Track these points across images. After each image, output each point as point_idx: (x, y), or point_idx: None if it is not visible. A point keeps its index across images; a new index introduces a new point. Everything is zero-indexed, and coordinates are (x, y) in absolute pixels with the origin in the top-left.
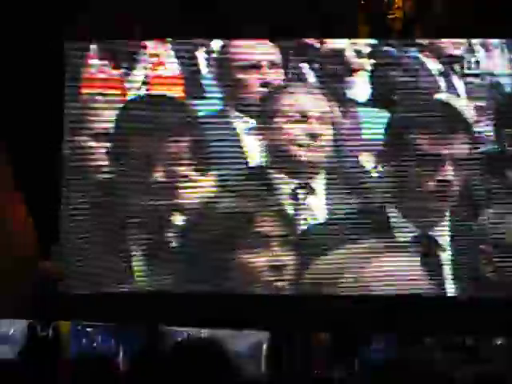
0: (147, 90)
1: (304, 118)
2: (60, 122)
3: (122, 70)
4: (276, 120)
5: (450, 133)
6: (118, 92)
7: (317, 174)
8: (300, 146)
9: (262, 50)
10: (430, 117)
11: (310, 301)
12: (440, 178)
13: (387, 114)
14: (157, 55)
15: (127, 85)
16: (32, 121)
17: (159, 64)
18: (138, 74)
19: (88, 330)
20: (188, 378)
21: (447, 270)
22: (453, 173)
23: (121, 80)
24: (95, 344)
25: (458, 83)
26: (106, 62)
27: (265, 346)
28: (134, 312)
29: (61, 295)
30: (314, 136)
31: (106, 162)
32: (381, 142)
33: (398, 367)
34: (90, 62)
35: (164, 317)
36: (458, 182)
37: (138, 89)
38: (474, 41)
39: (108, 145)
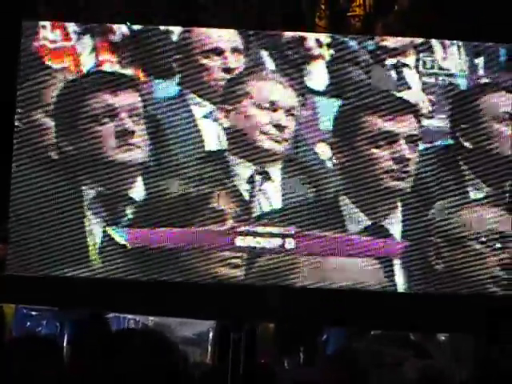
0: (96, 58)
1: (272, 107)
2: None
3: (74, 41)
4: (242, 105)
5: (400, 115)
6: (71, 63)
7: (275, 161)
8: (264, 133)
9: (223, 37)
10: (379, 104)
11: (260, 291)
12: (396, 155)
13: (340, 103)
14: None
15: (80, 55)
16: None
17: (110, 32)
18: (88, 43)
19: (32, 313)
20: (125, 364)
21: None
22: (408, 151)
23: (73, 50)
24: (40, 328)
25: (412, 77)
26: (56, 33)
27: (211, 334)
28: (81, 298)
29: (5, 278)
30: (281, 128)
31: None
32: (334, 131)
33: (346, 359)
34: (41, 34)
35: (112, 303)
36: (413, 163)
37: (87, 58)
38: (432, 40)
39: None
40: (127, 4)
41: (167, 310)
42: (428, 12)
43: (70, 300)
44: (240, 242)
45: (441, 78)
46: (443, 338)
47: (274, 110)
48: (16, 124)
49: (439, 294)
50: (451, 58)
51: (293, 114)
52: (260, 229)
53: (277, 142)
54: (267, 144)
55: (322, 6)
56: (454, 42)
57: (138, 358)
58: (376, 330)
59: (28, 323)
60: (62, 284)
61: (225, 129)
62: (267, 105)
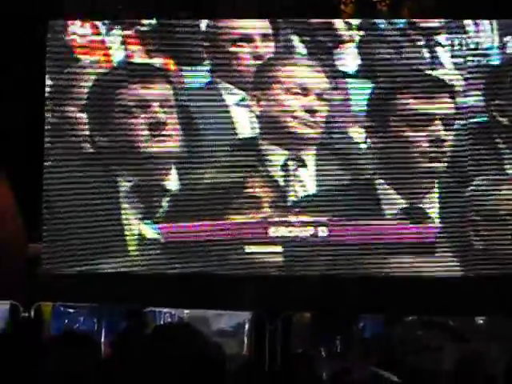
0: (127, 52)
1: (304, 92)
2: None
3: (103, 35)
4: (273, 91)
5: (435, 95)
6: (101, 57)
7: (308, 146)
8: (296, 119)
9: (252, 24)
10: (413, 85)
11: (296, 281)
12: (432, 136)
13: (373, 85)
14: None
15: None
16: (14, 97)
17: (138, 24)
18: (117, 35)
19: (70, 311)
20: (164, 361)
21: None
22: (444, 132)
23: (102, 43)
24: (77, 325)
25: (444, 56)
26: (86, 29)
27: (247, 325)
28: (118, 293)
29: (43, 276)
30: (312, 112)
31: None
32: (368, 113)
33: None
34: (71, 29)
35: (147, 298)
36: (449, 143)
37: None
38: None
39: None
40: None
41: (203, 303)
42: None
43: (106, 296)
44: (273, 232)
45: (473, 56)
46: (481, 321)
47: (305, 95)
48: (48, 119)
49: (475, 278)
50: (483, 34)
51: (324, 98)
52: (293, 218)
53: (309, 126)
54: (300, 129)
55: None
56: (485, 20)
57: (174, 352)
58: (413, 315)
59: (66, 320)
60: (97, 280)
61: (257, 116)
62: (298, 90)
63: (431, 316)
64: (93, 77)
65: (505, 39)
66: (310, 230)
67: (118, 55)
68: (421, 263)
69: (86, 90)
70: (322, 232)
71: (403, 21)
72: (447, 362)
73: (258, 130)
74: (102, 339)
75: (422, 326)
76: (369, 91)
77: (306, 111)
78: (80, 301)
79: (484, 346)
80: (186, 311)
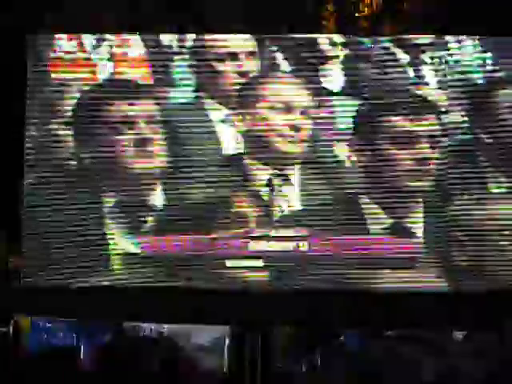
0: (113, 69)
1: (287, 108)
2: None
3: (89, 52)
4: (257, 108)
5: (420, 114)
6: (87, 74)
7: (292, 163)
8: (281, 136)
9: (237, 41)
10: (400, 103)
11: (276, 295)
12: (417, 155)
13: (358, 103)
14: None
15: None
16: None
17: (124, 43)
18: (104, 52)
19: (49, 325)
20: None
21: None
22: (429, 150)
23: (88, 60)
24: (56, 340)
25: (428, 73)
26: (72, 44)
27: (227, 340)
28: (97, 307)
29: (23, 290)
30: (297, 129)
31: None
32: (353, 131)
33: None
34: (57, 45)
35: (126, 312)
36: (434, 162)
37: (103, 68)
38: (446, 36)
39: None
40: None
41: (181, 317)
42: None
43: (86, 310)
44: (253, 246)
45: (456, 74)
46: (460, 335)
47: (289, 112)
48: (30, 134)
49: (456, 293)
50: (466, 53)
51: (309, 116)
52: (273, 232)
53: (293, 143)
54: (284, 146)
55: (329, 8)
56: (469, 37)
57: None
58: (392, 329)
59: (45, 335)
60: (77, 294)
61: (242, 133)
62: (281, 106)
63: (411, 330)
64: (77, 93)
65: (487, 57)
66: (291, 245)
67: (103, 72)
68: (402, 278)
69: (70, 107)
70: (303, 246)
71: (387, 38)
72: (426, 375)
73: (242, 147)
74: (82, 354)
75: (402, 339)
76: (354, 109)
77: (291, 128)
78: (59, 315)
79: (462, 360)
80: (166, 326)
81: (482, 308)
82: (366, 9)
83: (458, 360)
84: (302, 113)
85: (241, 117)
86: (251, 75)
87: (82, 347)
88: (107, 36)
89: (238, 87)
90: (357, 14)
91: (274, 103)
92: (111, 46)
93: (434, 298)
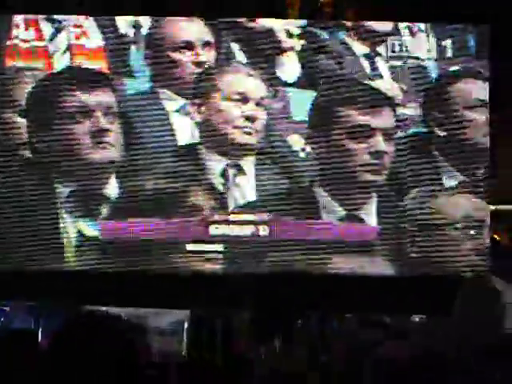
0: (70, 60)
1: (242, 99)
2: None
3: (46, 41)
4: (212, 99)
5: (376, 107)
6: (43, 64)
7: (248, 154)
8: (236, 127)
9: (194, 30)
10: (355, 96)
11: (235, 280)
12: (372, 149)
13: (314, 94)
14: (80, 26)
15: (52, 56)
16: None
17: (82, 35)
18: (61, 42)
19: (5, 309)
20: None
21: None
22: (384, 144)
23: (45, 49)
24: (14, 323)
25: (383, 66)
26: (30, 33)
27: (186, 324)
28: (55, 291)
29: None
30: (252, 119)
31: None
32: (308, 123)
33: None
34: (13, 33)
35: (86, 296)
36: (389, 155)
37: (60, 58)
38: (400, 24)
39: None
40: None
41: (141, 301)
42: None
43: (43, 294)
44: (214, 230)
45: (411, 65)
46: (417, 319)
47: (245, 102)
48: None
49: (413, 277)
50: (420, 42)
51: (263, 105)
52: (233, 217)
53: (249, 134)
54: (239, 137)
55: None
56: (422, 27)
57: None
58: (351, 313)
59: (2, 319)
60: (33, 278)
61: (197, 123)
62: (237, 97)
63: (370, 313)
64: (32, 81)
65: (442, 50)
66: (251, 229)
67: (60, 62)
68: (359, 262)
69: (24, 95)
70: (263, 230)
71: (343, 32)
72: (385, 358)
73: (197, 138)
74: (39, 337)
75: (361, 323)
76: (310, 101)
77: (246, 119)
78: (16, 299)
79: (421, 343)
80: (124, 310)
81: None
82: None
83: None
84: (258, 104)
85: (196, 107)
86: (207, 65)
87: (40, 331)
88: (65, 25)
89: (193, 77)
90: (321, 0)
91: (230, 94)
92: (69, 36)
93: (386, 282)
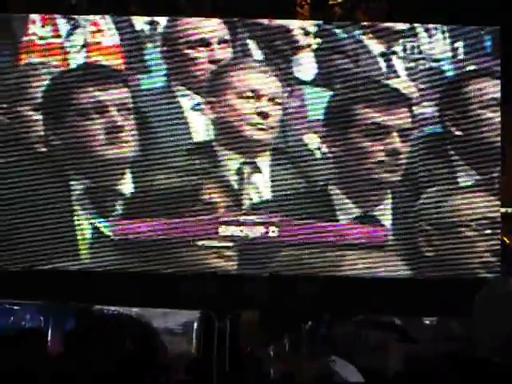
0: (86, 58)
1: (256, 96)
2: None
3: (63, 38)
4: (226, 96)
5: (392, 107)
6: (59, 61)
7: (263, 152)
8: (250, 124)
9: (210, 27)
10: (371, 95)
11: (245, 280)
12: (388, 147)
13: (330, 93)
14: (96, 24)
15: (68, 53)
16: None
17: (98, 32)
18: (78, 40)
19: (15, 308)
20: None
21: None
22: (400, 144)
23: (61, 47)
24: (23, 323)
25: (399, 66)
26: (47, 30)
27: (196, 324)
28: (65, 290)
29: None
30: (265, 116)
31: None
32: (324, 122)
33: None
34: (30, 29)
35: (96, 295)
36: (404, 154)
37: (76, 55)
38: (416, 25)
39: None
40: None
41: (151, 301)
42: None
43: (53, 294)
44: (223, 231)
45: (427, 64)
46: (427, 322)
47: (258, 99)
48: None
49: (424, 280)
50: (436, 43)
51: (277, 102)
52: (243, 218)
53: (262, 130)
54: (253, 134)
55: None
56: (439, 27)
57: (115, 346)
58: (361, 315)
59: (11, 318)
60: (44, 278)
61: (211, 120)
62: (250, 94)
63: (379, 316)
64: (49, 77)
65: (458, 50)
66: (260, 230)
67: (76, 59)
68: (371, 264)
69: (40, 90)
70: (273, 232)
71: (360, 29)
72: (393, 361)
73: (212, 135)
74: (49, 337)
75: (370, 325)
76: (326, 99)
77: (259, 115)
78: (27, 299)
79: (430, 346)
80: (135, 309)
81: (445, 296)
82: None
83: (425, 346)
84: (271, 100)
85: (210, 105)
86: (221, 63)
87: (50, 330)
88: (81, 23)
89: (207, 75)
90: (330, 2)
91: (242, 91)
92: (85, 34)
93: (400, 284)
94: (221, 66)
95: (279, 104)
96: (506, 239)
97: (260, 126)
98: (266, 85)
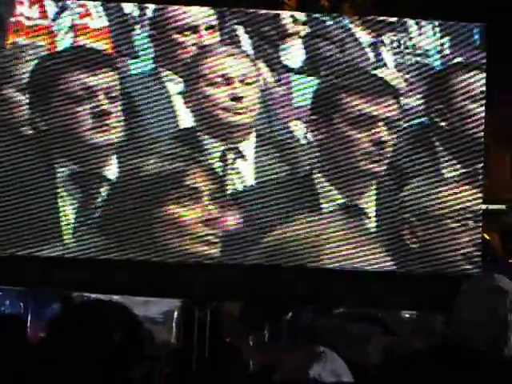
0: (73, 39)
1: (226, 81)
2: None
3: (50, 20)
4: (200, 84)
5: (379, 97)
6: (46, 42)
7: (246, 136)
8: (224, 109)
9: (199, 13)
10: (359, 85)
11: (226, 270)
12: (374, 137)
13: (318, 81)
14: (84, 6)
15: (55, 35)
16: None
17: (86, 15)
18: (65, 22)
19: None
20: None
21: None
22: (386, 134)
23: (48, 28)
24: (3, 308)
25: (387, 56)
26: (34, 11)
27: (176, 313)
28: (46, 277)
29: None
30: (237, 98)
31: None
32: (310, 109)
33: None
34: (17, 10)
35: (75, 282)
36: (390, 145)
37: (63, 37)
38: (406, 19)
39: (31, 99)
40: None
41: (131, 289)
42: None
43: (33, 279)
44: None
45: (415, 57)
46: (407, 315)
47: (228, 84)
48: None
49: (405, 273)
50: (425, 36)
51: (248, 83)
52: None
53: (238, 113)
54: (229, 118)
55: None
56: (428, 20)
57: (98, 331)
58: (343, 307)
59: None
60: (24, 263)
61: (190, 108)
62: (219, 80)
63: (360, 309)
64: (35, 58)
65: (445, 42)
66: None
67: (63, 42)
68: (354, 256)
69: (26, 71)
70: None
71: (347, 20)
72: (374, 354)
73: (195, 121)
74: (29, 323)
75: (351, 318)
76: (313, 87)
77: (232, 100)
78: (7, 284)
79: (410, 339)
80: (115, 297)
81: (428, 290)
82: None
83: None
84: (242, 81)
85: (188, 93)
86: (200, 49)
87: (30, 316)
88: (69, 5)
89: (189, 60)
90: None
91: (212, 78)
92: (73, 15)
93: (382, 277)
94: (195, 54)
95: (252, 84)
96: (486, 236)
97: (235, 110)
98: (233, 67)
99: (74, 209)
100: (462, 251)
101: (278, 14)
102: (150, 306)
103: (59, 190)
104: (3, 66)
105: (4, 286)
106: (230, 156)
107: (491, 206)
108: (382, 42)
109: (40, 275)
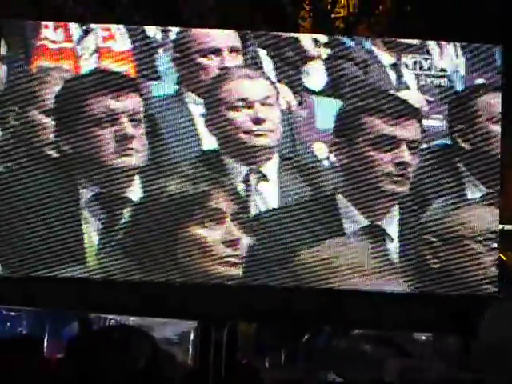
0: (97, 63)
1: (246, 104)
2: None
3: (74, 43)
4: (220, 108)
5: (402, 118)
6: (70, 65)
7: (269, 159)
8: (246, 132)
9: (222, 37)
10: (381, 106)
11: (243, 291)
12: (397, 160)
13: (340, 103)
14: (108, 29)
15: (80, 58)
16: None
17: (110, 38)
18: (89, 45)
19: (12, 314)
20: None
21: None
22: (408, 155)
23: (73, 51)
24: (20, 329)
25: (409, 77)
26: (58, 34)
27: (193, 335)
28: (63, 298)
29: None
30: (258, 121)
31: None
32: (333, 131)
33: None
34: (42, 34)
35: (93, 303)
36: (412, 166)
37: (87, 60)
38: (427, 41)
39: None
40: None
41: (149, 310)
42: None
43: (51, 300)
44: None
45: (437, 79)
46: (424, 337)
47: (249, 107)
48: (7, 121)
49: (423, 294)
50: (447, 58)
51: (270, 104)
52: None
53: (260, 136)
54: (252, 141)
55: (306, 7)
56: (451, 42)
57: (116, 355)
58: (359, 329)
59: (8, 324)
60: (42, 284)
61: (212, 132)
62: (240, 103)
63: (377, 330)
64: (60, 82)
65: (468, 64)
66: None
67: (86, 65)
68: (375, 277)
69: (52, 95)
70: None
71: (369, 42)
72: (389, 375)
73: (217, 144)
74: (45, 344)
75: (367, 339)
76: (335, 109)
77: (254, 123)
78: (26, 305)
79: (426, 361)
80: (132, 318)
81: (448, 312)
82: (341, 10)
83: (420, 362)
84: (263, 104)
85: (209, 116)
86: (214, 74)
87: (47, 337)
88: (93, 28)
89: (210, 81)
90: (333, 15)
91: (232, 102)
92: (97, 38)
93: (399, 299)
94: (214, 77)
95: (272, 105)
96: (503, 257)
97: (258, 133)
98: (253, 90)
99: (97, 230)
100: (481, 271)
101: (299, 37)
102: (167, 326)
103: (83, 212)
104: (29, 89)
105: (22, 307)
106: (253, 178)
107: (507, 227)
108: (404, 62)
109: (61, 296)
